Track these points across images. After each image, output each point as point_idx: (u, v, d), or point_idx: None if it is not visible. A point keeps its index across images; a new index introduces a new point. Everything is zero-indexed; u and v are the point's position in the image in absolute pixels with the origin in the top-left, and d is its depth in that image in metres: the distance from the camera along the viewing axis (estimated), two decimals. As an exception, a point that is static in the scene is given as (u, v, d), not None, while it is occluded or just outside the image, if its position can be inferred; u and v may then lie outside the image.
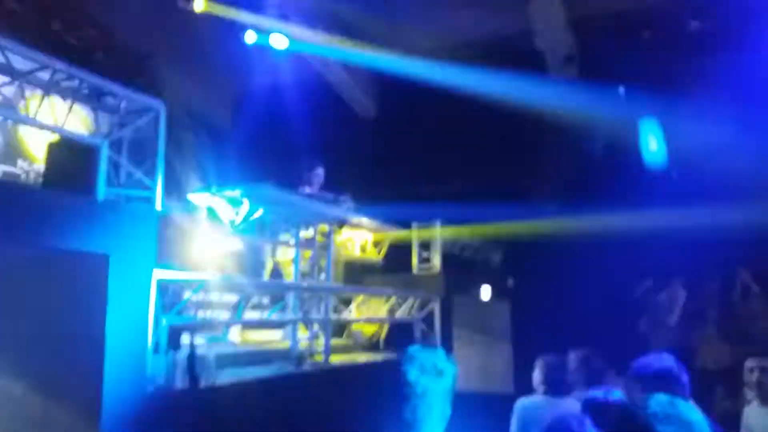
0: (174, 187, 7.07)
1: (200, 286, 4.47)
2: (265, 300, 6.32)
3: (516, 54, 10.04)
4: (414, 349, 2.39)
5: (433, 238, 8.73)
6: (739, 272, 8.41)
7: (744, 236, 7.83)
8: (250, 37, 8.98)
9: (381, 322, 7.51)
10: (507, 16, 9.86)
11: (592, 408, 2.63)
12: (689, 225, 7.97)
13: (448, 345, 7.86)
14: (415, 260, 8.72)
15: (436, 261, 8.70)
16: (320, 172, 7.28)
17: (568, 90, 9.77)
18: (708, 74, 9.33)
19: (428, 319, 7.85)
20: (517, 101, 10.04)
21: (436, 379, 2.28)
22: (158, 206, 3.97)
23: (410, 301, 7.54)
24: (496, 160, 10.66)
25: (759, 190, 8.20)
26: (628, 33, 9.72)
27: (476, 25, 10.55)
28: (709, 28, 9.29)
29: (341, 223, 7.17)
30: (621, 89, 7.55)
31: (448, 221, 9.05)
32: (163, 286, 4.01)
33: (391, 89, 11.36)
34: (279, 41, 9.44)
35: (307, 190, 7.11)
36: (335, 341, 6.58)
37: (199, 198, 5.63)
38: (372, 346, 7.47)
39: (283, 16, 9.13)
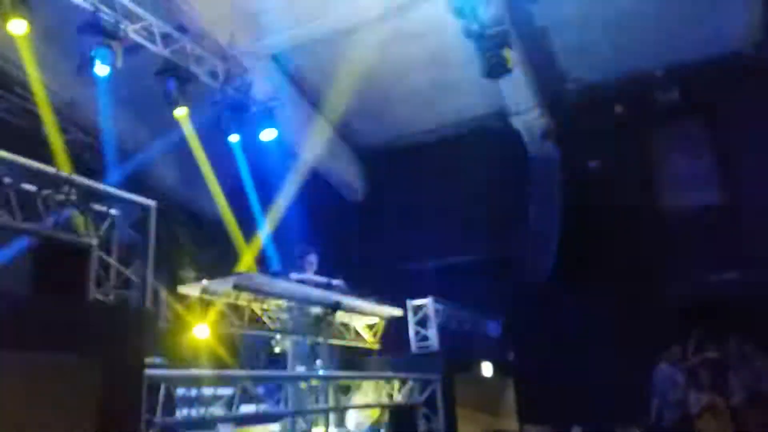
0: (170, 280, 7.08)
1: (191, 382, 4.39)
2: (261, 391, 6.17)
3: (495, 133, 10.47)
4: None
5: (429, 315, 8.65)
6: None
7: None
8: (233, 138, 9.36)
9: (381, 407, 7.31)
10: (484, 98, 10.30)
11: None
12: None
13: (452, 428, 7.63)
14: (413, 337, 8.60)
15: (434, 338, 8.59)
16: (313, 258, 7.26)
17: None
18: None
19: (430, 400, 7.66)
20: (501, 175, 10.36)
21: None
22: (147, 304, 3.98)
23: (410, 383, 7.38)
24: (486, 231, 10.81)
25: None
26: (601, 108, 10.18)
27: (457, 109, 11.01)
28: (679, 100, 9.73)
29: (335, 308, 7.12)
30: None
31: (442, 296, 9.03)
32: (154, 385, 3.95)
33: (378, 172, 11.66)
34: (268, 134, 9.76)
35: (299, 275, 7.10)
36: None
37: (192, 289, 5.62)
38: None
39: (270, 111, 9.48)
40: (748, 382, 7.55)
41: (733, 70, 9.59)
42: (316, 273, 7.22)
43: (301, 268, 7.15)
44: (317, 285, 6.77)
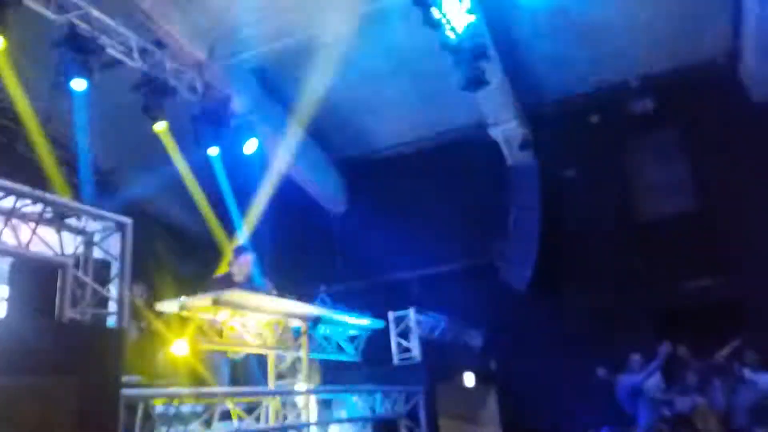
0: (149, 296, 6.98)
1: (169, 400, 4.35)
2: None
3: (474, 144, 10.57)
4: None
5: (410, 326, 8.65)
6: None
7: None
8: (213, 151, 9.30)
9: (365, 421, 7.29)
10: (462, 110, 10.40)
11: None
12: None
13: (435, 439, 7.63)
14: (394, 348, 8.59)
15: (416, 349, 8.59)
16: (244, 260, 6.61)
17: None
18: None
19: (413, 412, 7.65)
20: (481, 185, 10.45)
21: None
22: (124, 323, 3.94)
23: (393, 396, 7.37)
24: (467, 241, 10.88)
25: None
26: (577, 118, 10.34)
27: (435, 121, 11.11)
28: (653, 110, 9.93)
29: (316, 321, 7.10)
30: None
31: (424, 307, 9.05)
32: (131, 403, 3.91)
33: (359, 184, 11.69)
34: (249, 146, 9.73)
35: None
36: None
37: (171, 306, 5.57)
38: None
39: (249, 124, 9.47)
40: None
41: (705, 80, 9.81)
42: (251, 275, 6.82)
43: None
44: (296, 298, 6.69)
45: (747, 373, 7.48)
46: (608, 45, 9.73)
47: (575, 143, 10.56)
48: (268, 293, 6.24)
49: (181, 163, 9.13)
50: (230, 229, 10.65)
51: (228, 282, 6.30)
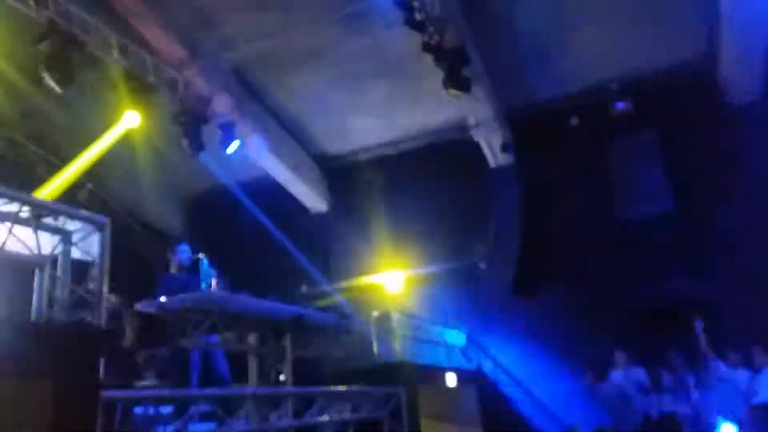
0: (133, 297, 6.91)
1: (148, 401, 4.31)
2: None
3: (455, 145, 10.62)
4: None
5: (392, 326, 8.67)
6: None
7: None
8: (194, 150, 9.23)
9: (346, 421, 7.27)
10: (444, 110, 10.43)
11: None
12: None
13: (417, 439, 7.63)
14: (376, 348, 8.60)
15: (398, 349, 8.61)
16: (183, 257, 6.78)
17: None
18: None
19: (394, 412, 7.66)
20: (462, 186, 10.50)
21: None
22: (101, 323, 3.90)
23: (374, 396, 7.37)
24: (449, 242, 10.92)
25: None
26: (557, 120, 10.44)
27: (417, 120, 11.13)
28: (633, 112, 10.04)
29: (297, 321, 7.08)
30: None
31: (406, 308, 9.08)
32: (110, 405, 3.86)
33: (342, 184, 11.69)
34: (231, 146, 9.67)
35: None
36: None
37: (149, 306, 5.52)
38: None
39: (230, 123, 9.42)
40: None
41: (683, 83, 9.95)
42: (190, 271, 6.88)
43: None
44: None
45: (723, 369, 7.60)
46: (588, 47, 9.83)
47: (556, 145, 10.66)
48: (209, 285, 6.27)
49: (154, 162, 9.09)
50: (213, 232, 10.58)
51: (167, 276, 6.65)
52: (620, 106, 10.12)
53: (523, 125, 10.79)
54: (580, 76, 10.37)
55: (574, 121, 10.42)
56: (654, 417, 8.03)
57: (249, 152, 10.37)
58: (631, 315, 9.44)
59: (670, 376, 8.09)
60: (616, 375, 8.52)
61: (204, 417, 5.25)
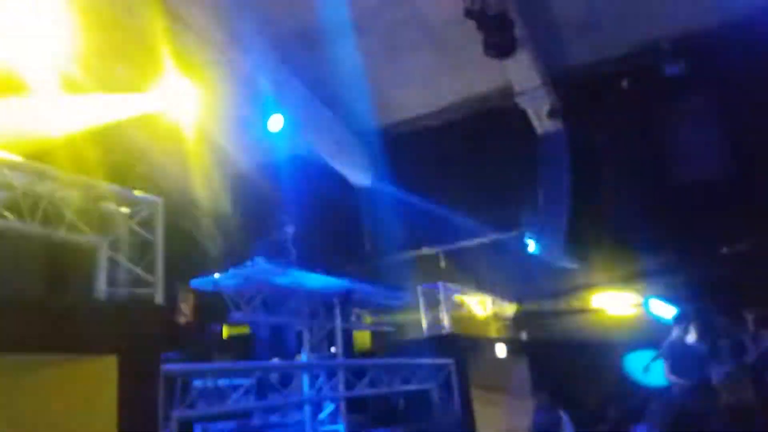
0: (185, 274, 7.10)
1: (207, 375, 4.44)
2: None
3: (500, 113, 10.37)
4: None
5: (440, 299, 8.68)
6: None
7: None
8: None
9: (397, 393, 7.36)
10: (488, 78, 10.19)
11: None
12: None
13: (467, 409, 7.68)
14: (424, 323, 8.65)
15: (447, 322, 8.63)
16: (290, 229, 7.01)
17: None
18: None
19: (445, 383, 7.70)
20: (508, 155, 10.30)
21: None
22: (159, 300, 4.01)
23: (425, 367, 7.42)
24: (495, 213, 10.77)
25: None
26: (607, 83, 10.06)
27: (460, 90, 10.92)
28: (686, 72, 9.57)
29: (347, 295, 7.14)
30: None
31: (453, 281, 9.04)
32: (170, 378, 4.00)
33: (384, 158, 11.62)
34: (275, 123, 9.74)
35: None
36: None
37: (205, 284, 5.67)
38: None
39: (274, 101, 9.45)
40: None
41: (740, 40, 9.40)
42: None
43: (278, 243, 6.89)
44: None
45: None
46: (637, 6, 9.39)
47: (605, 109, 10.27)
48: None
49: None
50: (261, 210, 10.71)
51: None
52: (672, 67, 9.66)
53: (571, 90, 10.43)
54: (630, 36, 9.93)
55: (625, 83, 10.02)
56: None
57: (291, 128, 10.41)
58: (687, 281, 9.16)
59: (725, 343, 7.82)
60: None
61: (260, 390, 5.40)
